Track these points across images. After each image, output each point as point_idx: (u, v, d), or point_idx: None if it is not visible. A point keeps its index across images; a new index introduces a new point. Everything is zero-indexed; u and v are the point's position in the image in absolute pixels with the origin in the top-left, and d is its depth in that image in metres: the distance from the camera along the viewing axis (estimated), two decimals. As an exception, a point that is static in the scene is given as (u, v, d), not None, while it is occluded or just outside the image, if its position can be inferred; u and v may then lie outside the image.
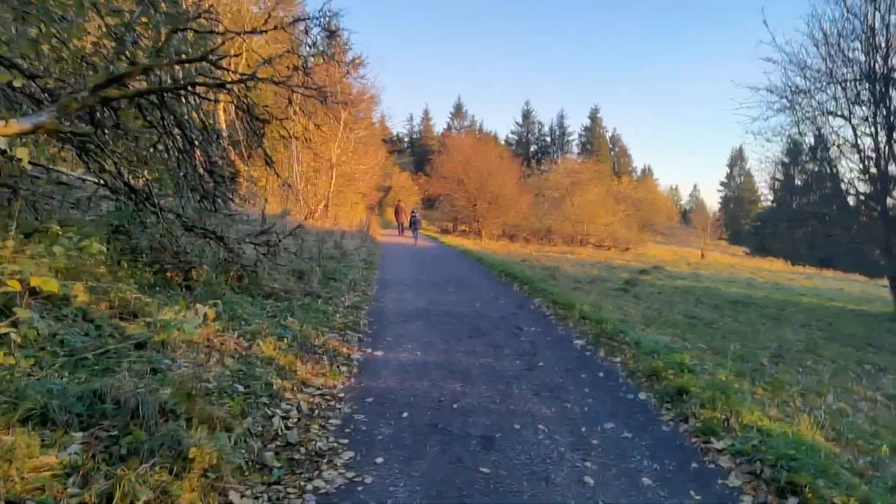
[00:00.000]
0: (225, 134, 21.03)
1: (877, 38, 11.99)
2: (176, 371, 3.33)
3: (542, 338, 5.99)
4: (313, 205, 25.15)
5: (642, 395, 4.23)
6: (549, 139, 78.10)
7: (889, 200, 14.93)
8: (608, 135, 78.71)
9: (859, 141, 14.67)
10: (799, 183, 68.25)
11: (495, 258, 15.33)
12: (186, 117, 6.50)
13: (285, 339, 4.76)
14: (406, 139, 77.04)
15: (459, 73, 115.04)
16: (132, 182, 5.59)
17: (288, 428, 3.35)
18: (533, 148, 75.67)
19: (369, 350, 5.24)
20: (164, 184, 6.30)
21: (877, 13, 11.88)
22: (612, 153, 76.74)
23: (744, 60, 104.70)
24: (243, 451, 2.96)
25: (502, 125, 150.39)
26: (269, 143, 21.65)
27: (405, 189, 56.19)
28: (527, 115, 77.72)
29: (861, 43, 12.70)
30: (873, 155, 14.62)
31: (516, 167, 41.65)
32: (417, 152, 70.47)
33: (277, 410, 3.51)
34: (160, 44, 5.26)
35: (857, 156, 15.04)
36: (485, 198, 36.85)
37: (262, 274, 6.89)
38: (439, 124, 77.97)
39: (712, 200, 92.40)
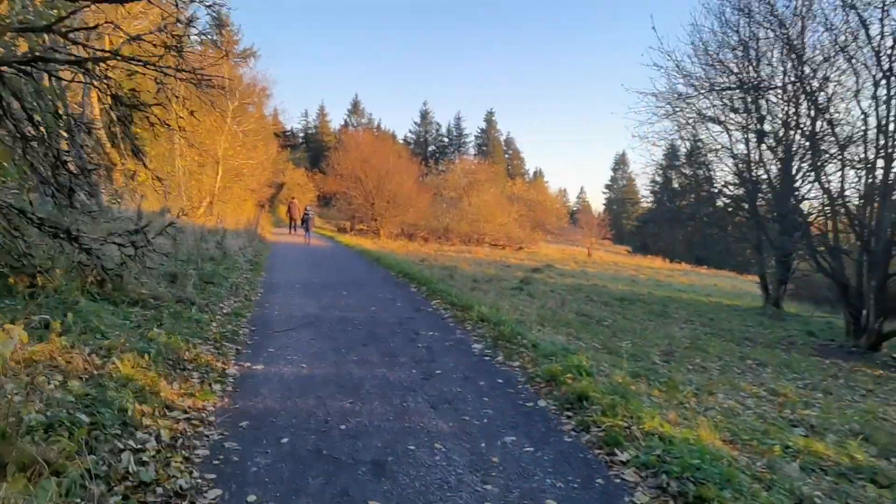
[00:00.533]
0: (99, 123, 19.07)
1: (749, 51, 12.93)
2: (-9, 404, 2.67)
3: (440, 343, 5.73)
4: (197, 201, 23.44)
5: (542, 403, 4.07)
6: (446, 140, 78.87)
7: (758, 202, 16.29)
8: (503, 137, 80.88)
9: (734, 147, 15.90)
10: (676, 186, 73.65)
11: (394, 258, 14.97)
12: (37, 98, 5.59)
13: (148, 355, 4.11)
14: (301, 135, 74.58)
15: (357, 71, 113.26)
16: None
17: (142, 464, 2.80)
18: (431, 148, 76.07)
19: (248, 364, 4.70)
20: (8, 175, 5.38)
21: (748, 27, 12.82)
22: (507, 155, 78.95)
23: (630, 68, 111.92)
24: (79, 499, 2.40)
25: (400, 125, 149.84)
26: (147, 135, 19.87)
27: (300, 186, 54.33)
28: (425, 115, 77.97)
29: (736, 54, 13.71)
30: (745, 160, 15.89)
31: (415, 166, 41.55)
32: (313, 148, 68.44)
33: (131, 442, 2.94)
34: (-10, 7, 4.44)
35: (731, 160, 16.26)
36: (383, 196, 36.35)
37: (127, 278, 6.08)
38: (336, 120, 76.11)
39: (598, 202, 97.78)
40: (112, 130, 17.70)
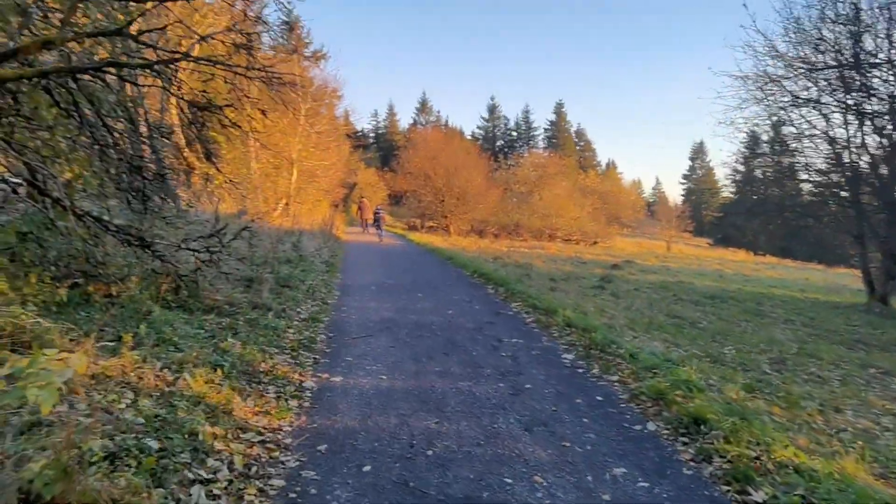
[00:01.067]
0: (177, 128, 19.86)
1: (850, 24, 11.66)
2: (59, 431, 2.51)
3: (526, 351, 5.30)
4: (273, 203, 24.06)
5: (651, 426, 3.57)
6: (514, 134, 77.93)
7: (861, 190, 14.78)
8: (573, 129, 79.03)
9: (832, 130, 14.47)
10: (759, 175, 69.72)
11: (466, 256, 14.64)
12: (116, 105, 5.62)
13: (222, 369, 3.93)
14: (371, 135, 75.83)
15: (424, 69, 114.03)
16: (45, 180, 4.67)
17: (213, 497, 2.57)
18: (499, 143, 75.39)
19: (326, 375, 4.45)
20: (86, 182, 5.39)
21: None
22: (577, 147, 77.06)
23: (711, 52, 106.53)
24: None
25: (468, 120, 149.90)
26: (222, 138, 20.46)
27: (371, 185, 55.15)
28: (492, 109, 77.35)
29: (834, 28, 12.40)
30: (845, 144, 14.44)
31: (483, 162, 41.10)
32: (383, 148, 69.43)
33: (201, 472, 2.71)
34: (65, 14, 4.39)
35: (828, 146, 14.82)
36: (452, 193, 36.19)
37: (202, 284, 6.03)
38: (404, 120, 77.05)
39: (674, 193, 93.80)
40: (189, 134, 18.37)
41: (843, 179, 15.04)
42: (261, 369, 4.32)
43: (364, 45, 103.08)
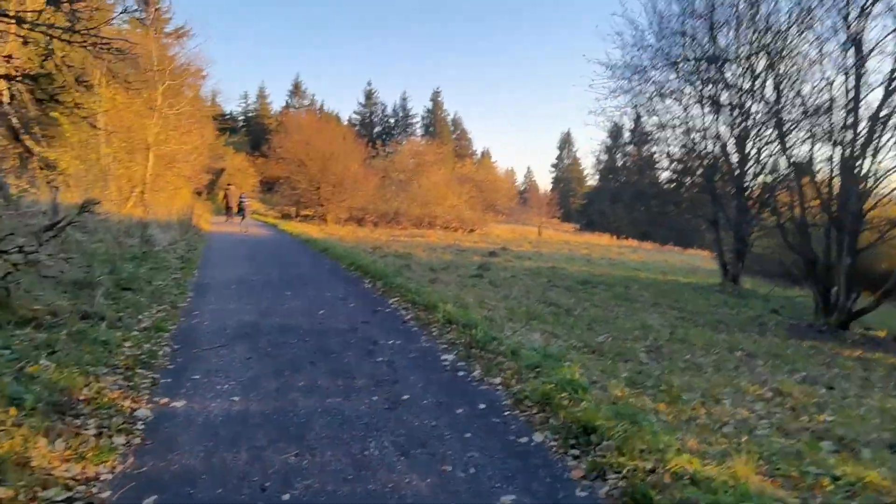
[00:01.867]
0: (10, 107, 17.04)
1: (707, 20, 12.46)
2: None
3: (404, 355, 4.86)
4: (127, 192, 21.57)
5: (538, 437, 3.28)
6: (392, 121, 77.26)
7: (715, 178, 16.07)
8: (449, 118, 79.95)
9: (690, 121, 15.54)
10: (621, 164, 74.00)
11: (343, 247, 13.94)
12: None
13: (21, 404, 3.08)
14: (241, 118, 71.46)
15: (297, 50, 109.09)
16: None
17: None
18: (377, 129, 74.37)
19: (165, 400, 3.70)
20: None
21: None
22: (454, 136, 78.09)
23: (579, 42, 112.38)
24: None
25: (344, 106, 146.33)
26: (66, 120, 17.82)
27: (241, 171, 51.90)
28: (369, 95, 76.04)
29: (694, 25, 13.23)
30: (702, 135, 15.59)
31: (361, 148, 40.15)
32: (253, 132, 65.65)
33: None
34: None
35: (686, 136, 15.91)
36: (329, 180, 34.95)
37: (15, 292, 4.93)
38: (277, 103, 73.31)
39: (544, 181, 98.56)
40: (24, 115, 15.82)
41: (699, 167, 16.24)
42: (81, 397, 3.49)
43: (233, 23, 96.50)
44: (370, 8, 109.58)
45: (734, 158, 15.21)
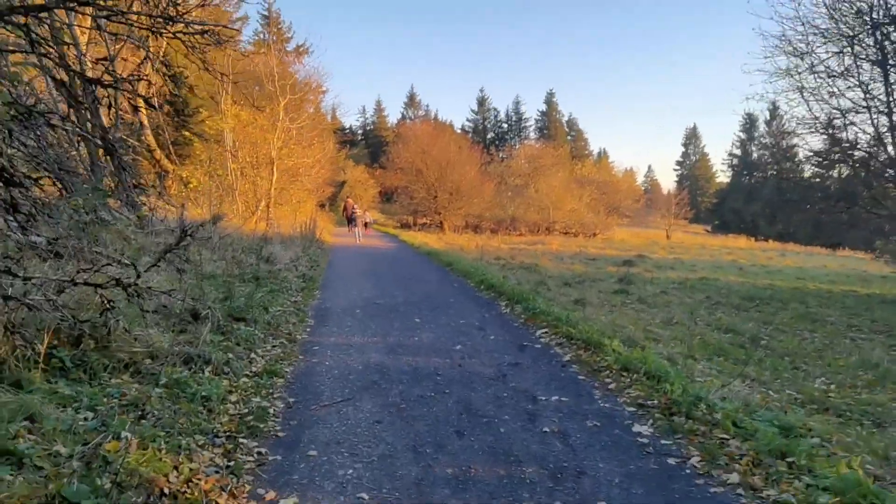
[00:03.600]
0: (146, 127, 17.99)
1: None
2: None
3: (579, 422, 3.56)
4: (253, 206, 22.23)
5: None
6: (505, 126, 76.38)
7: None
8: (564, 119, 77.59)
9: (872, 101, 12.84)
10: (756, 157, 67.28)
11: (466, 260, 12.91)
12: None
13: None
14: (359, 131, 74.09)
15: (411, 62, 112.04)
16: None
17: None
18: (490, 135, 73.81)
19: (272, 495, 2.71)
20: None
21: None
22: (569, 137, 75.60)
23: (699, 37, 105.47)
24: None
25: (457, 113, 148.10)
26: (197, 139, 18.37)
27: (361, 183, 53.36)
28: (482, 101, 75.70)
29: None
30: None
31: (476, 155, 39.38)
32: (371, 144, 67.68)
33: None
34: None
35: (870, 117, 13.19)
36: (445, 188, 34.48)
37: (115, 331, 4.27)
38: (393, 115, 75.41)
39: (667, 180, 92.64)
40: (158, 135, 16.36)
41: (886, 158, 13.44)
42: (164, 488, 2.59)
43: (350, 38, 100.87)
44: (480, 13, 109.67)
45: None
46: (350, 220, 25.41)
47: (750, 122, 68.42)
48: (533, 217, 38.01)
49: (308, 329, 6.02)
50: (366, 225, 26.84)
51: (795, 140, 15.78)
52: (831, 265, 25.35)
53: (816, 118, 13.56)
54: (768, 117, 65.88)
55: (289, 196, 24.46)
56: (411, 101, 74.83)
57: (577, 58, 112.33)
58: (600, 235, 38.80)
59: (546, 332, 5.72)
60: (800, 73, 13.50)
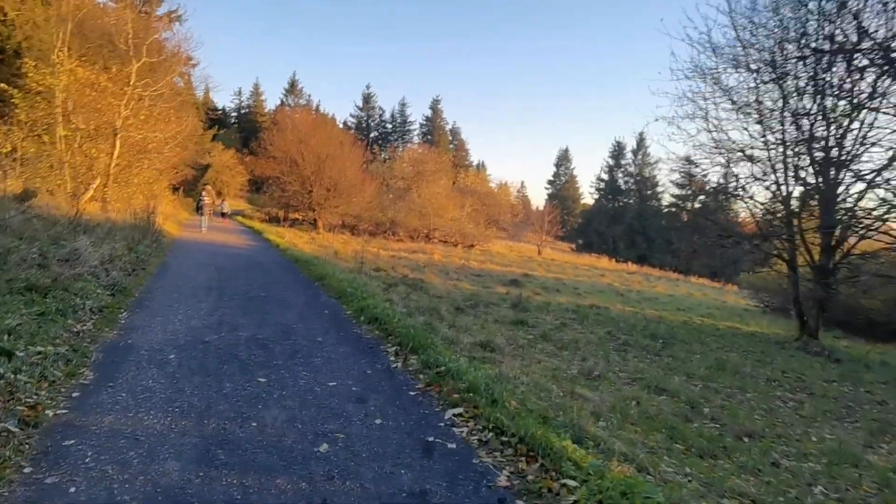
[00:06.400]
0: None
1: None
2: None
3: None
4: (87, 182, 18.22)
5: None
6: (390, 126, 74.52)
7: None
8: (448, 127, 77.39)
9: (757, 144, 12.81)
10: (622, 185, 71.87)
11: (342, 273, 10.76)
12: None
13: None
14: (233, 114, 68.32)
15: (295, 49, 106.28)
16: None
17: None
18: (374, 134, 71.61)
19: None
20: None
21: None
22: (452, 146, 75.49)
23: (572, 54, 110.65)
24: None
25: (341, 108, 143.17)
26: (18, 93, 14.23)
27: (229, 168, 48.68)
28: (367, 98, 73.29)
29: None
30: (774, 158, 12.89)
31: (359, 152, 36.99)
32: (245, 128, 62.50)
33: None
34: None
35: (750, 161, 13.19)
36: (322, 183, 31.75)
37: None
38: (272, 100, 70.54)
39: (537, 197, 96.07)
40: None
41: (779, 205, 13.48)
42: None
43: (229, 14, 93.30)
44: (371, 8, 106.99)
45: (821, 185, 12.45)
46: (199, 208, 22.06)
47: (618, 150, 72.70)
48: (414, 223, 36.42)
49: (76, 393, 3.63)
50: (223, 215, 23.57)
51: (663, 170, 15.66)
52: (696, 294, 26.38)
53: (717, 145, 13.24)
54: (636, 147, 70.86)
55: (134, 175, 20.53)
56: (292, 87, 70.39)
57: (463, 68, 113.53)
58: (478, 247, 38.15)
59: (461, 415, 3.83)
60: (705, 100, 13.14)
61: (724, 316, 17.48)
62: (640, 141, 70.05)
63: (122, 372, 4.08)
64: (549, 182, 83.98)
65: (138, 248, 9.77)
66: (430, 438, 3.44)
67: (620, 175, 71.50)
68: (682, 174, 17.23)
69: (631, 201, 69.90)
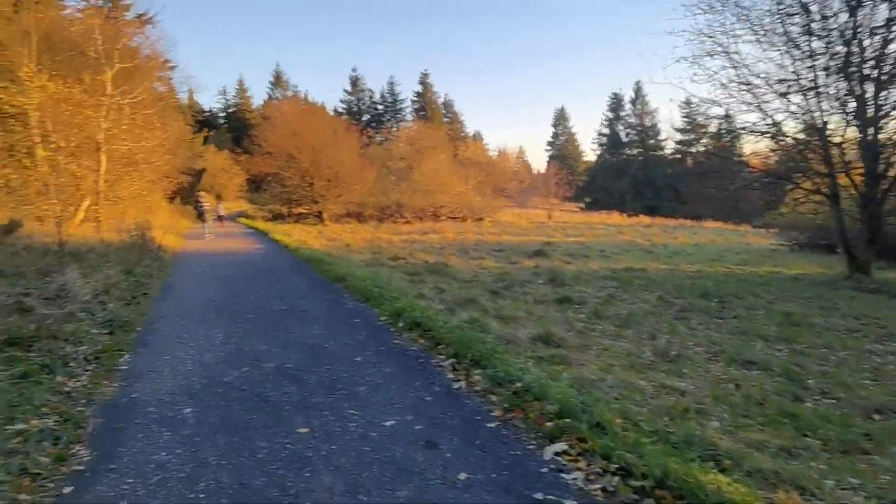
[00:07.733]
0: None
1: None
2: None
3: None
4: (76, 204, 17.35)
5: None
6: (381, 107, 73.00)
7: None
8: (440, 100, 75.75)
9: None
10: (624, 137, 70.20)
11: (361, 268, 9.87)
12: None
13: None
14: (221, 114, 67.02)
15: (276, 42, 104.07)
16: None
17: None
18: (366, 117, 70.16)
19: None
20: None
21: None
22: (446, 119, 73.97)
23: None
24: None
25: (329, 95, 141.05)
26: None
27: (224, 170, 47.60)
28: (355, 82, 71.66)
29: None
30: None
31: (354, 138, 35.80)
32: (235, 127, 61.28)
33: None
34: None
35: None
36: (322, 174, 30.76)
37: None
38: (258, 96, 69.13)
39: (537, 161, 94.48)
40: None
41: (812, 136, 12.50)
42: None
43: (207, 15, 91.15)
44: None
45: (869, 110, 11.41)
46: (200, 215, 21.22)
47: (617, 102, 71.05)
48: (419, 202, 35.41)
49: (68, 488, 2.77)
50: (220, 218, 22.83)
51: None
52: (718, 241, 25.45)
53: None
54: (633, 96, 69.21)
55: (125, 189, 19.60)
56: (278, 80, 68.86)
57: (448, 37, 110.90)
58: (488, 219, 37.16)
59: (566, 453, 2.95)
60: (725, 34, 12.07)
61: (756, 260, 16.59)
62: (638, 90, 68.43)
63: (127, 444, 3.22)
64: (549, 143, 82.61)
65: (136, 270, 8.89)
66: (539, 496, 2.56)
67: (621, 127, 70.05)
68: (703, 116, 16.27)
69: (634, 153, 68.59)
